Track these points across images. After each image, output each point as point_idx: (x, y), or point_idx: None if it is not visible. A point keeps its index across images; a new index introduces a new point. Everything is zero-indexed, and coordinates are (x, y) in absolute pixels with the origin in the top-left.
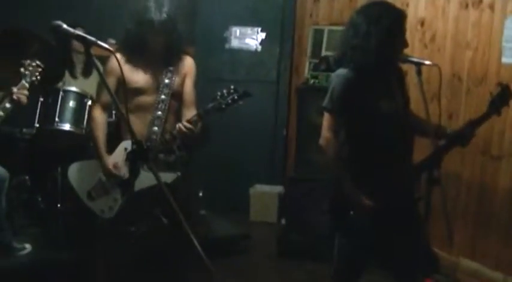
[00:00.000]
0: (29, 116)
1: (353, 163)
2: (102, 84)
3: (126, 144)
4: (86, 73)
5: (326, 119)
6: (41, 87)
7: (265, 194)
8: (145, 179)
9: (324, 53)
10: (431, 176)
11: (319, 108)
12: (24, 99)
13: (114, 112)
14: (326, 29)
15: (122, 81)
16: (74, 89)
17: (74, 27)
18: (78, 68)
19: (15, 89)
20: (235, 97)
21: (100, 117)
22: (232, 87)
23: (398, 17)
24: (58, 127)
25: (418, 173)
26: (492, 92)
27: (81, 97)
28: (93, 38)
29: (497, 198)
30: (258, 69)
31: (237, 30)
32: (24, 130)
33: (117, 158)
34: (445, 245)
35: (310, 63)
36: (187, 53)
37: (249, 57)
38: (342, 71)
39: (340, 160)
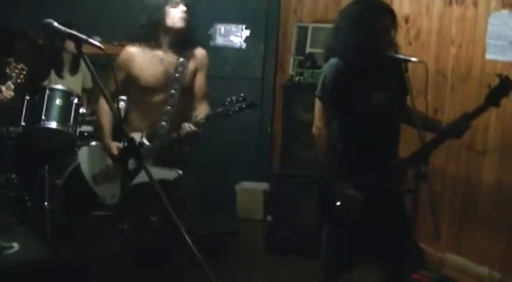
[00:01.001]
0: (15, 114)
1: (343, 153)
2: (108, 77)
3: (134, 136)
4: (73, 71)
5: (317, 108)
6: (27, 86)
7: (251, 190)
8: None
9: (308, 50)
10: (419, 171)
11: (304, 105)
12: (9, 99)
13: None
14: (310, 26)
15: (131, 76)
16: (60, 87)
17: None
18: (66, 68)
19: (1, 89)
20: (243, 106)
21: (106, 105)
22: (242, 95)
23: (382, 13)
24: (45, 125)
25: (407, 167)
26: (490, 84)
27: (67, 95)
28: (84, 36)
29: (482, 192)
30: (243, 66)
31: (221, 28)
32: (11, 128)
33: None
34: (431, 240)
35: (294, 60)
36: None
37: (234, 54)
38: (333, 60)
39: (330, 149)
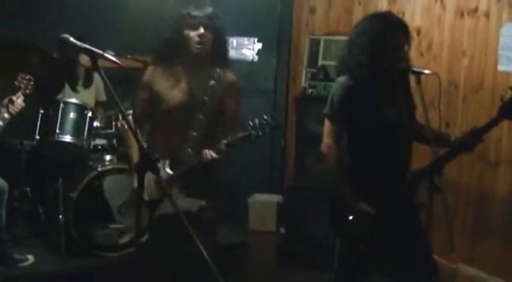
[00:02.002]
0: (29, 128)
1: (353, 169)
2: (135, 97)
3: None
4: (86, 84)
5: (326, 126)
6: (41, 99)
7: (264, 203)
8: (170, 204)
9: (320, 62)
10: (432, 183)
11: (317, 117)
12: (20, 110)
13: (114, 123)
14: (322, 38)
15: (153, 98)
16: (74, 100)
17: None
18: (80, 81)
19: (12, 100)
20: (267, 130)
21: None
22: (265, 117)
23: (397, 30)
24: (59, 139)
25: (419, 180)
26: (503, 96)
27: (81, 109)
28: (100, 51)
29: (495, 204)
30: (255, 79)
31: (233, 41)
32: (25, 142)
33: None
34: (444, 252)
35: (307, 72)
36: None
37: (246, 67)
38: (342, 79)
39: (341, 166)
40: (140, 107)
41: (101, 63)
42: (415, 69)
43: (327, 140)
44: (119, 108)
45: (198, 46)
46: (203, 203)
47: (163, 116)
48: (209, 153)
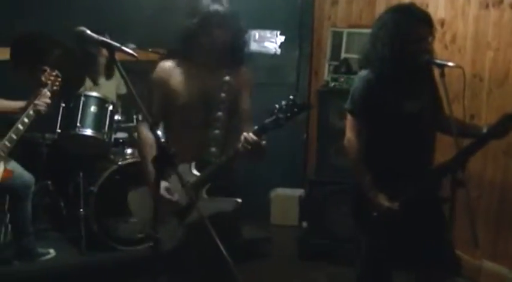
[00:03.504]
0: (51, 121)
1: (375, 164)
2: (147, 96)
3: (182, 169)
4: (107, 77)
5: (348, 120)
6: (62, 93)
7: (286, 197)
8: (203, 206)
9: (343, 55)
10: (456, 178)
11: (339, 111)
12: (45, 107)
13: (135, 117)
14: (345, 31)
15: (168, 94)
16: (95, 94)
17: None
18: (101, 74)
19: (38, 97)
20: (295, 110)
21: (147, 134)
22: (291, 97)
23: (420, 22)
24: (80, 132)
25: (443, 174)
26: None
27: (102, 102)
28: (117, 44)
29: None
30: (277, 72)
31: (255, 34)
32: (47, 135)
33: (171, 184)
34: (468, 248)
35: (329, 65)
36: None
37: (268, 60)
38: (363, 73)
39: (362, 161)
40: (153, 107)
41: (120, 56)
42: (438, 61)
43: (348, 134)
44: (137, 101)
45: (220, 44)
46: (239, 200)
47: (181, 115)
48: (250, 138)
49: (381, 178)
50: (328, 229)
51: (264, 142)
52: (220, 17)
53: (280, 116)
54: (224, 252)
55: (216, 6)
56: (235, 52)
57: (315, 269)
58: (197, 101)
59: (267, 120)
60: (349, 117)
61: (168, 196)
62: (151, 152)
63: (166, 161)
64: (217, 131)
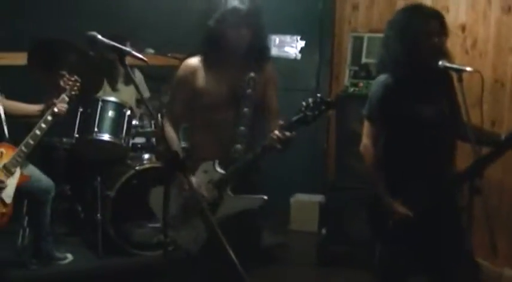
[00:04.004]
0: (68, 126)
1: (392, 170)
2: (170, 95)
3: (206, 166)
4: (127, 82)
5: (365, 126)
6: (80, 98)
7: (306, 203)
8: (227, 205)
9: (364, 60)
10: (473, 185)
11: (358, 116)
12: (64, 112)
13: (152, 122)
14: (365, 36)
15: (194, 93)
16: (112, 99)
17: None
18: (120, 79)
19: (56, 102)
20: (323, 108)
21: (171, 132)
22: (319, 95)
23: (429, 17)
24: (97, 137)
25: (460, 182)
26: None
27: (120, 107)
28: (127, 48)
29: None
30: (298, 77)
31: (276, 39)
32: (64, 140)
33: (197, 179)
34: (489, 255)
35: (350, 70)
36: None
37: (289, 65)
38: (381, 78)
39: (378, 167)
40: (176, 106)
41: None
42: (455, 66)
43: (365, 140)
44: (146, 106)
45: (241, 45)
46: (265, 197)
47: (206, 112)
48: (281, 134)
49: (398, 185)
50: (347, 235)
51: (290, 134)
52: (243, 15)
53: (308, 113)
54: (235, 259)
55: (238, 4)
56: (259, 49)
57: (333, 275)
58: (223, 99)
59: (295, 118)
60: (366, 123)
61: (198, 190)
62: (177, 147)
63: (176, 166)
64: (242, 128)
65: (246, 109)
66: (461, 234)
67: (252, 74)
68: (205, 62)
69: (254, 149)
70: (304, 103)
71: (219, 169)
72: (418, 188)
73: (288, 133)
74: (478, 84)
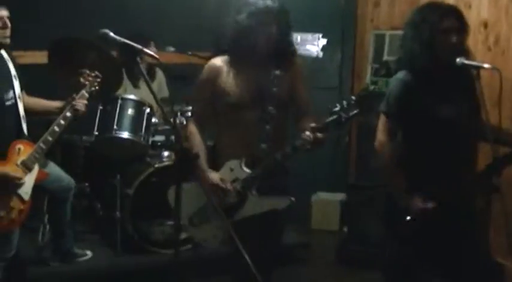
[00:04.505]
0: (88, 124)
1: (408, 167)
2: (195, 95)
3: (232, 165)
4: (149, 79)
5: (381, 122)
6: (100, 96)
7: (327, 201)
8: (252, 205)
9: (385, 57)
10: (491, 184)
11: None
12: (83, 108)
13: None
14: (387, 33)
15: (217, 92)
16: (132, 97)
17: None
18: (141, 78)
19: (75, 99)
20: (356, 111)
21: (196, 131)
22: (353, 98)
23: (446, 13)
24: (116, 135)
25: (478, 180)
26: None
27: (139, 105)
28: (139, 46)
29: None
30: (320, 75)
31: (298, 37)
32: (84, 138)
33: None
34: (507, 255)
35: (372, 68)
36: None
37: (311, 63)
38: (399, 75)
39: (395, 164)
40: (201, 107)
41: (164, 58)
42: (473, 63)
43: (381, 137)
44: (158, 105)
45: (268, 37)
46: (292, 198)
47: (231, 112)
48: (311, 137)
49: (416, 182)
50: (368, 235)
51: (322, 135)
52: (271, 12)
53: (342, 115)
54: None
55: (266, 2)
56: (285, 45)
57: (353, 274)
58: (248, 98)
59: (328, 119)
60: (382, 119)
61: (222, 185)
62: (199, 144)
63: (188, 163)
64: (268, 127)
65: (271, 108)
66: (479, 234)
67: (277, 72)
68: (230, 60)
69: (283, 149)
70: (338, 104)
71: (245, 168)
72: (437, 186)
73: (320, 135)
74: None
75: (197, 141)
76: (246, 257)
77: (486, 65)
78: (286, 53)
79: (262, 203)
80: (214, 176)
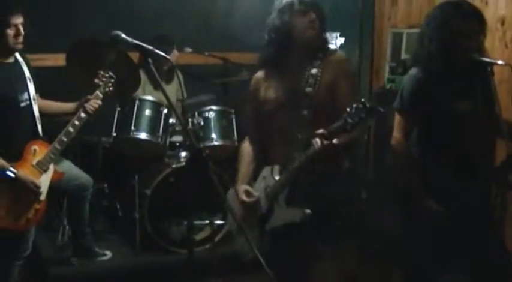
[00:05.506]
0: (107, 124)
1: (423, 164)
2: (248, 113)
3: (265, 172)
4: (168, 81)
5: (397, 120)
6: (117, 97)
7: None
8: (280, 215)
9: (403, 56)
10: (506, 181)
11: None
12: (94, 109)
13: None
14: (405, 31)
15: (258, 104)
16: (150, 98)
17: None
18: (161, 78)
19: (89, 99)
20: (362, 115)
21: (247, 150)
22: (362, 100)
23: (469, 17)
24: (134, 136)
25: (493, 177)
26: None
27: (157, 106)
28: (150, 47)
29: None
30: None
31: None
32: (103, 139)
33: (254, 187)
34: None
35: (390, 67)
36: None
37: None
38: (413, 71)
39: (410, 161)
40: (251, 124)
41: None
42: (486, 60)
43: (396, 134)
44: (170, 105)
45: (310, 31)
46: (308, 211)
47: (268, 120)
48: (318, 145)
49: (431, 179)
50: (387, 231)
51: (331, 143)
52: (310, 5)
53: (348, 120)
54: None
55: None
56: (321, 41)
57: (372, 271)
58: (281, 103)
59: (334, 125)
60: (397, 116)
61: (244, 198)
62: (245, 160)
63: (199, 163)
64: (300, 134)
65: (305, 112)
66: (494, 232)
67: (313, 71)
68: (269, 70)
69: (299, 158)
70: (347, 109)
71: (276, 176)
72: (451, 183)
73: (328, 142)
74: None
75: (245, 160)
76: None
77: (500, 62)
78: (323, 50)
79: (280, 215)
80: (240, 189)
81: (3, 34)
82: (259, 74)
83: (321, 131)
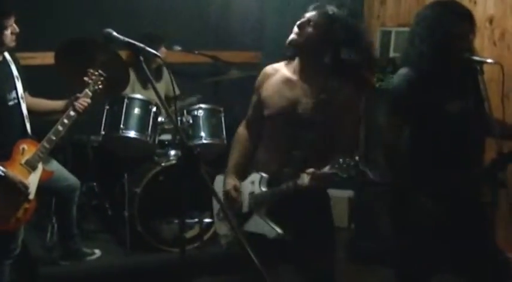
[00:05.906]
0: (96, 123)
1: (415, 163)
2: (252, 98)
3: (254, 178)
4: (156, 80)
5: (388, 120)
6: (106, 96)
7: (335, 198)
8: (258, 224)
9: (391, 54)
10: (497, 179)
11: (385, 110)
12: (83, 107)
13: (179, 118)
14: (393, 30)
15: (260, 101)
16: (139, 96)
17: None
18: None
19: (79, 97)
20: (352, 174)
21: (242, 134)
22: (357, 158)
23: (460, 18)
24: (123, 134)
25: (483, 175)
26: None
27: (146, 104)
28: (141, 45)
29: None
30: None
31: None
32: (92, 137)
33: (242, 184)
34: None
35: (379, 65)
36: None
37: None
38: (403, 71)
39: (402, 161)
40: (251, 111)
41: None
42: (476, 58)
43: (388, 134)
44: (161, 102)
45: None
46: (279, 231)
47: (267, 125)
48: (306, 179)
49: (421, 178)
50: (378, 231)
51: (320, 183)
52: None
53: (339, 173)
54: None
55: (347, 12)
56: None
57: (362, 271)
58: (279, 111)
59: (324, 171)
60: (388, 116)
61: (230, 192)
62: (238, 146)
63: (190, 161)
64: (296, 152)
65: (304, 133)
66: (487, 231)
67: (323, 96)
68: (282, 70)
69: (290, 180)
70: (340, 160)
71: (263, 186)
72: (443, 182)
73: (313, 182)
74: (508, 77)
75: (239, 148)
76: (255, 259)
77: (489, 60)
78: (336, 71)
79: (258, 226)
80: (230, 182)
81: (2, 34)
82: (269, 68)
83: (311, 170)
